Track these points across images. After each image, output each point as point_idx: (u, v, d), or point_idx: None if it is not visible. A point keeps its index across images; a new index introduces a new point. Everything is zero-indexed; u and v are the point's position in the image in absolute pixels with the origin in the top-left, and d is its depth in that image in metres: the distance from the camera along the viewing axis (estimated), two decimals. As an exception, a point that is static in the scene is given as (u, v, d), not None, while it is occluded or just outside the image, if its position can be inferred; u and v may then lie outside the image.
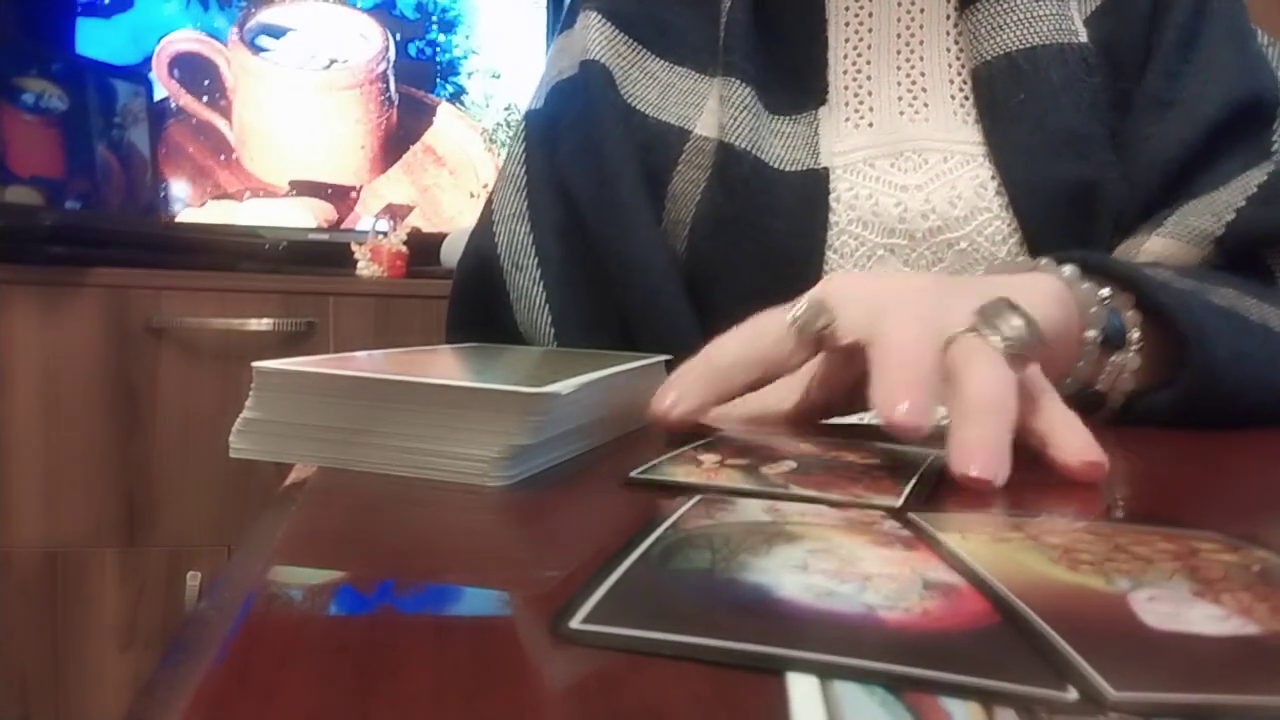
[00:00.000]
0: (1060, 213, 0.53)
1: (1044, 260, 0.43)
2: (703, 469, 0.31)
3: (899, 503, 0.27)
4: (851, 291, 0.36)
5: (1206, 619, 0.18)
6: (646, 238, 0.53)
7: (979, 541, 0.23)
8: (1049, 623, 0.18)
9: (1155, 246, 0.52)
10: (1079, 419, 0.31)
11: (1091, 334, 0.41)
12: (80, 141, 1.44)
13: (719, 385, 0.35)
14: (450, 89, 1.68)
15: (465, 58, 1.68)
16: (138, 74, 1.54)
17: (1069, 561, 0.21)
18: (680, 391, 0.35)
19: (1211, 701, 0.15)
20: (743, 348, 0.36)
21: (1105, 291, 0.42)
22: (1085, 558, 0.21)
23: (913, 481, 0.29)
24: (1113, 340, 0.42)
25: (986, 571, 0.20)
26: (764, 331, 0.36)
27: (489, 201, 0.61)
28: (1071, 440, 0.31)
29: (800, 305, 0.36)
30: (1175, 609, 0.18)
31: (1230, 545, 0.22)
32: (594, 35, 0.58)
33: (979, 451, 0.29)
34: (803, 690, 0.15)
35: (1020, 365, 0.31)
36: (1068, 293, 0.40)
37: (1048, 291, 0.39)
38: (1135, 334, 0.43)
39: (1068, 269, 0.42)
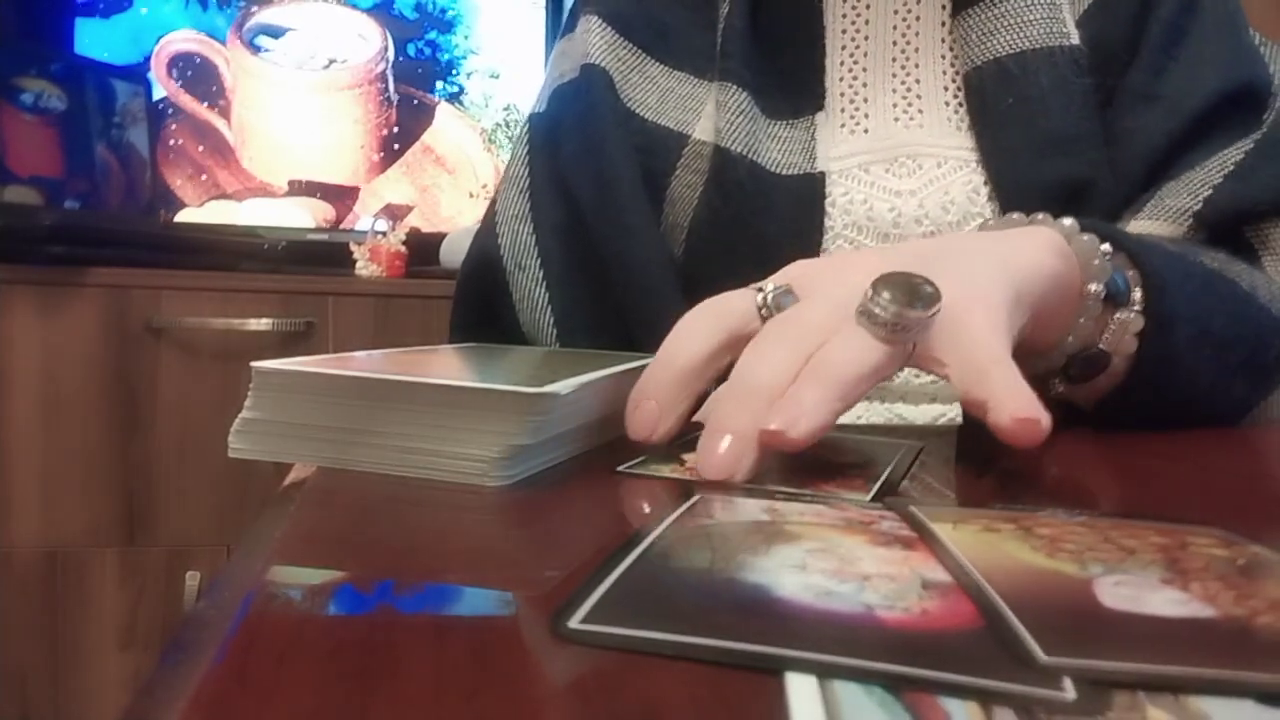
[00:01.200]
0: (1050, 212, 0.53)
1: (1041, 215, 0.42)
2: (685, 467, 0.31)
3: (868, 497, 0.28)
4: (810, 275, 0.36)
5: (1166, 603, 0.18)
6: (645, 239, 0.53)
7: (968, 531, 0.23)
8: (1002, 596, 0.18)
9: (1133, 230, 0.52)
10: (1023, 383, 0.30)
11: (1094, 287, 0.40)
12: (79, 141, 1.44)
13: (694, 387, 0.34)
14: (449, 89, 1.67)
15: (464, 58, 1.68)
16: (137, 74, 1.54)
17: (1049, 549, 0.21)
18: (661, 408, 0.33)
19: (1139, 670, 0.15)
20: (709, 337, 0.34)
21: (1106, 246, 0.41)
22: (1067, 547, 0.22)
23: (882, 477, 0.30)
24: (1116, 298, 0.41)
25: (961, 554, 0.21)
26: (727, 312, 0.35)
27: (493, 203, 0.61)
28: (1007, 401, 0.29)
29: (769, 286, 0.35)
30: (1137, 593, 0.19)
31: (1226, 541, 0.23)
32: (595, 39, 0.58)
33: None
34: (802, 690, 0.15)
35: (894, 338, 0.31)
36: (1066, 245, 0.40)
37: (1045, 243, 0.39)
38: (1137, 293, 0.41)
39: (1067, 221, 0.41)
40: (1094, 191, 0.53)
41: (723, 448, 0.29)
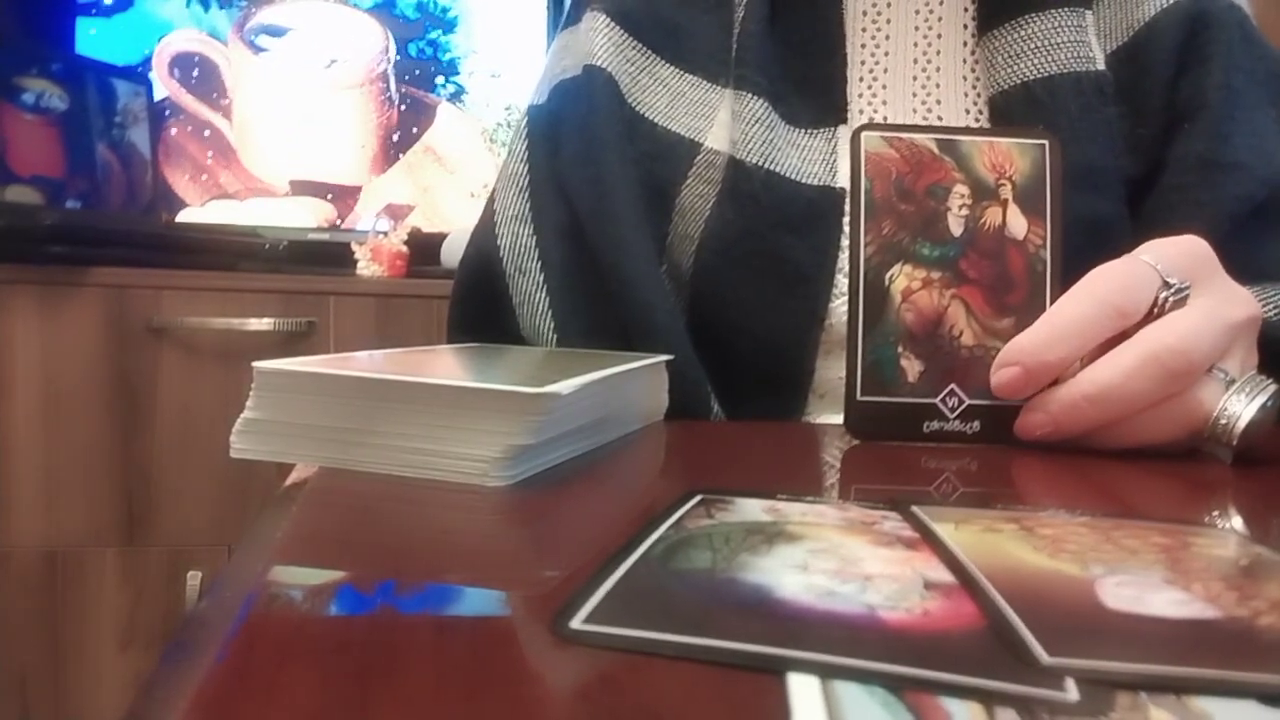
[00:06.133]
0: (1076, 246, 0.48)
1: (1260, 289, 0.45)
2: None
3: None
4: (1211, 282, 0.38)
5: (1168, 603, 0.18)
6: (640, 252, 0.52)
7: (970, 531, 0.23)
8: (1005, 596, 0.18)
9: None
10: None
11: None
12: (80, 141, 1.44)
13: (1064, 362, 0.38)
14: (450, 89, 1.68)
15: (465, 58, 1.68)
16: (138, 74, 1.54)
17: (1052, 550, 0.21)
18: (1027, 376, 0.38)
19: (1142, 671, 0.15)
20: (1096, 319, 0.37)
21: None
22: (1070, 547, 0.22)
23: None
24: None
25: (963, 554, 0.21)
26: (1125, 298, 0.37)
27: (491, 200, 0.59)
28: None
29: (1173, 283, 0.37)
30: (1139, 593, 0.19)
31: (1229, 541, 0.23)
32: (600, 39, 0.57)
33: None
34: (803, 690, 0.15)
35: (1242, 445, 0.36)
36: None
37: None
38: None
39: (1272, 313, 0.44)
40: (1117, 229, 0.51)
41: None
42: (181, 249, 1.35)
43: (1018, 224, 0.41)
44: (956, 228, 0.41)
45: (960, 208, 0.41)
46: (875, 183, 0.41)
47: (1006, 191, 0.41)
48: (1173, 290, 0.37)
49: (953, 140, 0.41)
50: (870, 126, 0.42)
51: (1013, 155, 0.41)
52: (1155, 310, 0.37)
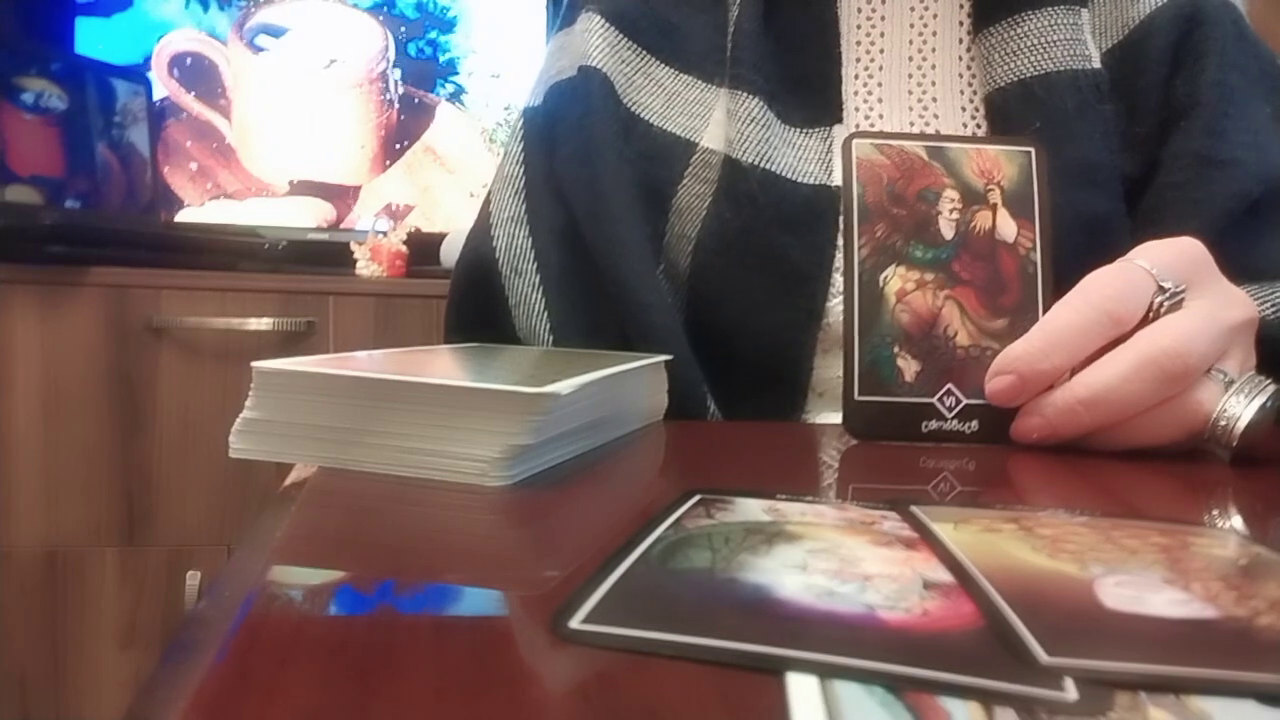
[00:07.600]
0: (1074, 244, 0.48)
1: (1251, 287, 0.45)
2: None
3: None
4: (1207, 284, 0.38)
5: (1167, 603, 0.18)
6: (637, 253, 0.52)
7: (969, 531, 0.23)
8: (1004, 596, 0.18)
9: None
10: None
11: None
12: (80, 141, 1.44)
13: (1060, 370, 0.38)
14: (450, 89, 1.68)
15: (464, 58, 1.68)
16: (137, 73, 1.54)
17: (1051, 550, 0.21)
18: (1023, 384, 0.38)
19: (1141, 671, 0.15)
20: (1090, 326, 0.37)
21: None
22: (1069, 547, 0.22)
23: None
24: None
25: (962, 554, 0.21)
26: (1119, 303, 0.37)
27: (486, 203, 0.59)
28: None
29: (1168, 286, 0.37)
30: (1139, 593, 0.19)
31: (1228, 541, 0.23)
32: (595, 39, 0.57)
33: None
34: (803, 690, 0.15)
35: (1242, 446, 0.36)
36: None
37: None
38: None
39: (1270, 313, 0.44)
40: (1115, 226, 0.51)
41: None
42: (181, 249, 1.35)
43: (1007, 227, 0.41)
44: (948, 231, 0.41)
45: (951, 211, 0.41)
46: (867, 188, 0.41)
47: (995, 196, 0.42)
48: (1168, 294, 0.37)
49: (941, 147, 0.42)
50: (861, 134, 0.42)
51: (1000, 161, 0.42)
52: (1151, 315, 0.37)
